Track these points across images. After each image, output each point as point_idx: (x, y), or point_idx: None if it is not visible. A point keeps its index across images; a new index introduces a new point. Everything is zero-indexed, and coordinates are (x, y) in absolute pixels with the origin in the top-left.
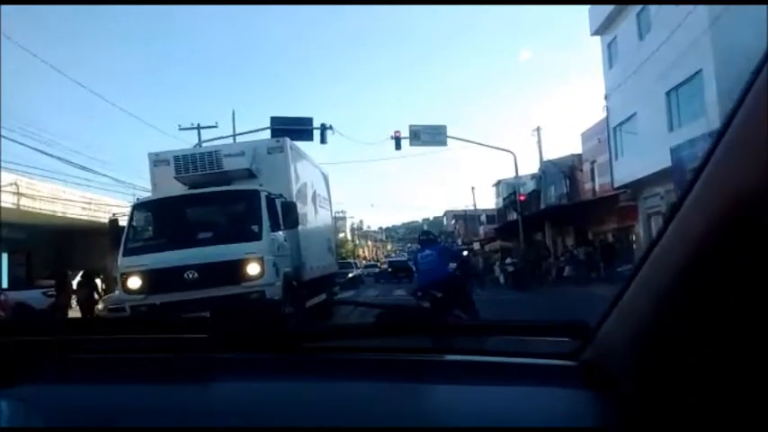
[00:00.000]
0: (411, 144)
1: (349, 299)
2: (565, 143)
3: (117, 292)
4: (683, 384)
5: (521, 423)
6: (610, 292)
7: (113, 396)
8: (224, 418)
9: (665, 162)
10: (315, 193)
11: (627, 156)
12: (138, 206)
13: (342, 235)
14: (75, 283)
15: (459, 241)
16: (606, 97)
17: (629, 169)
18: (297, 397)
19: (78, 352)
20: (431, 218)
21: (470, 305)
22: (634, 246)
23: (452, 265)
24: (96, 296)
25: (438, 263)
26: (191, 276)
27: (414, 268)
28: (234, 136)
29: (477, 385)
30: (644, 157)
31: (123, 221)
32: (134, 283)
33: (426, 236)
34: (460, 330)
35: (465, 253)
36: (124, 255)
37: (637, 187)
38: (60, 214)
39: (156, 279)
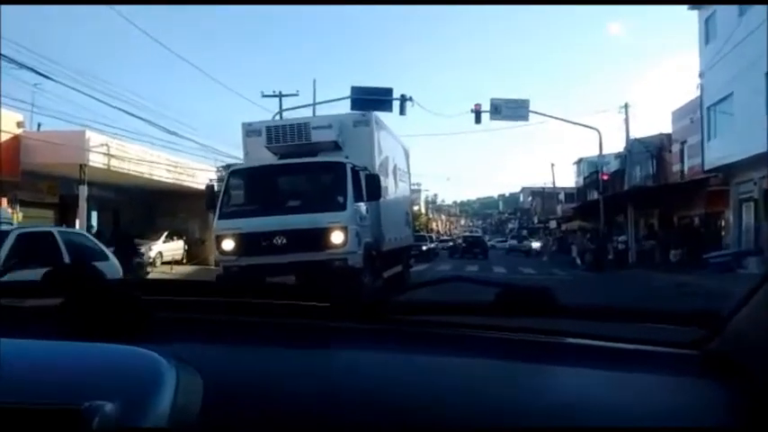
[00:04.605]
0: (491, 118)
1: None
2: (654, 122)
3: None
4: None
5: (640, 409)
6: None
7: (256, 358)
8: (349, 385)
9: (761, 146)
10: (395, 166)
11: (720, 137)
12: (234, 173)
13: (416, 208)
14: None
15: (536, 219)
16: (701, 75)
17: (721, 152)
18: (415, 370)
19: (198, 313)
20: (507, 194)
21: None
22: (723, 232)
23: None
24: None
25: None
26: (279, 241)
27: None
28: (314, 105)
29: (591, 369)
30: (739, 139)
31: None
32: (228, 245)
33: None
34: (577, 313)
35: None
36: (219, 218)
37: (729, 171)
38: (147, 176)
39: (247, 242)
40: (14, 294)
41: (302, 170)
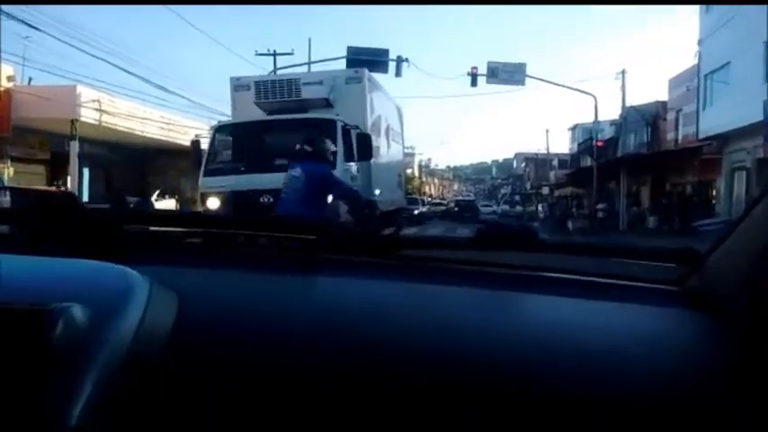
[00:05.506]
0: (488, 81)
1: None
2: (650, 89)
3: None
4: None
5: (616, 335)
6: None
7: (236, 285)
8: (328, 313)
9: (756, 115)
10: (388, 126)
11: (716, 106)
12: (220, 129)
13: (409, 171)
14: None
15: (528, 185)
16: (700, 43)
17: (716, 120)
18: (395, 300)
19: (182, 240)
20: (500, 159)
21: None
22: (714, 201)
23: None
24: None
25: None
26: (266, 200)
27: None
28: (309, 63)
29: (573, 299)
30: (734, 108)
31: (204, 144)
32: (213, 203)
33: None
34: (560, 249)
35: None
36: (204, 175)
37: (723, 140)
38: (139, 133)
39: (233, 201)
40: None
41: (290, 127)
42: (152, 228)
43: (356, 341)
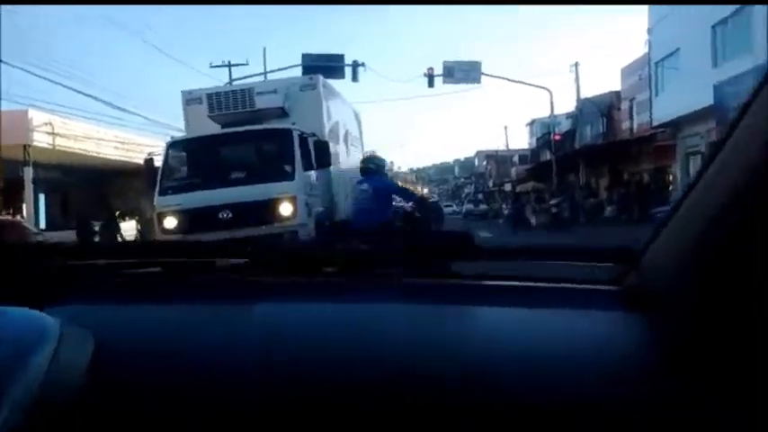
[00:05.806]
0: (444, 81)
1: None
2: (603, 80)
3: None
4: (735, 306)
5: (559, 343)
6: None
7: (155, 314)
8: (261, 337)
9: (707, 100)
10: (347, 132)
11: (668, 93)
12: (173, 145)
13: None
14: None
15: (491, 183)
16: (649, 31)
17: (669, 107)
18: (329, 320)
19: (115, 274)
20: (462, 158)
21: None
22: (670, 187)
23: None
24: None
25: None
26: (225, 216)
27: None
28: (265, 73)
29: (512, 308)
30: (685, 94)
31: (159, 161)
32: (170, 222)
33: None
34: (494, 254)
35: None
36: (160, 194)
37: (676, 126)
38: (94, 154)
39: (191, 218)
40: None
41: (245, 139)
42: (72, 262)
43: (288, 370)
